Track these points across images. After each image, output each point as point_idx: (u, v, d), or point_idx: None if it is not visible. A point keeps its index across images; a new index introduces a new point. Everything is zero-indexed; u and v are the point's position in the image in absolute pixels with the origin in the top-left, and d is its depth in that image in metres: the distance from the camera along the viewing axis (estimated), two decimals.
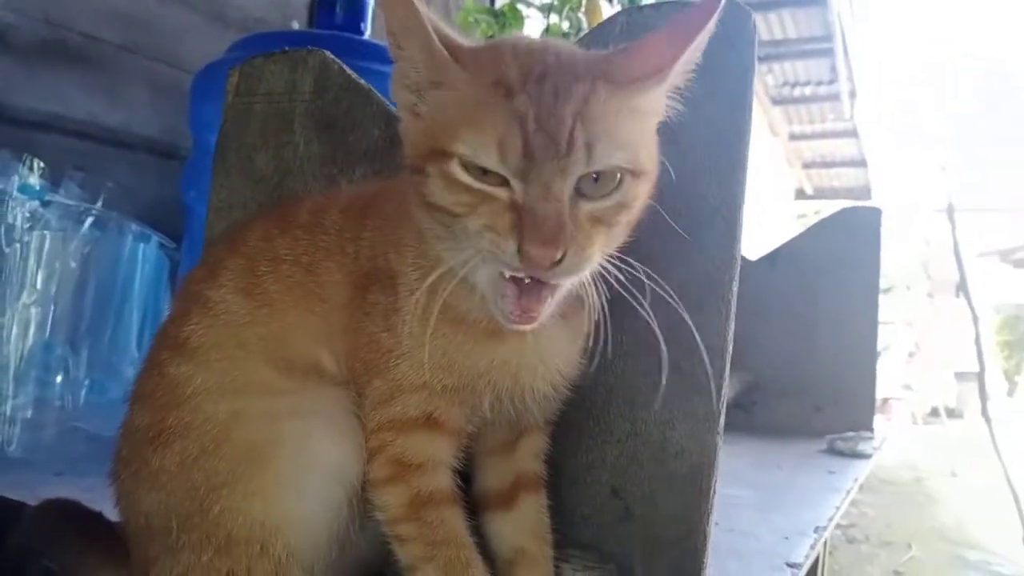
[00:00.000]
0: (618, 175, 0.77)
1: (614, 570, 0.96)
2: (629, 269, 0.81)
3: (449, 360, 0.88)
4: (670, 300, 0.84)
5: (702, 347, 0.95)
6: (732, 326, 0.94)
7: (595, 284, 0.82)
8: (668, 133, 0.95)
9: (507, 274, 0.77)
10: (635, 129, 0.79)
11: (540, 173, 0.73)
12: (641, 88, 0.79)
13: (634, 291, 0.83)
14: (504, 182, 0.75)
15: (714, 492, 0.94)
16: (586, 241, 0.75)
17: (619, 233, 0.81)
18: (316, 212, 1.00)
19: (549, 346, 0.90)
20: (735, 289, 0.94)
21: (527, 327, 0.80)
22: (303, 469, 0.89)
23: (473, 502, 0.97)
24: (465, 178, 0.76)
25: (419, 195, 0.80)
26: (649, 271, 0.83)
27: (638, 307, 0.84)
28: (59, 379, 1.80)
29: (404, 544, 0.89)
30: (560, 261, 0.73)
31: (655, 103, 0.83)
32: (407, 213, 0.87)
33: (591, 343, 0.93)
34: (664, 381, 0.96)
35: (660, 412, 0.97)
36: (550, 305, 0.80)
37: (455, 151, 0.75)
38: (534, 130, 0.73)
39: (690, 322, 0.91)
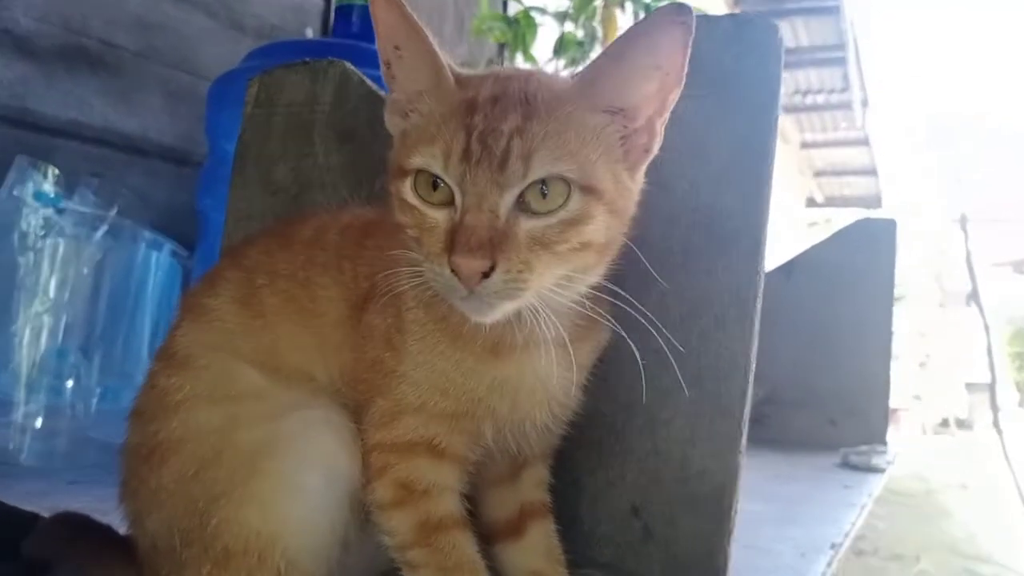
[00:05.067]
0: (566, 191, 0.76)
1: None
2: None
3: (447, 382, 0.87)
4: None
5: (724, 364, 0.94)
6: (756, 344, 0.93)
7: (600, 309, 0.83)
8: (691, 146, 0.95)
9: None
10: (589, 146, 0.78)
11: (475, 183, 0.75)
12: (591, 108, 0.79)
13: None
14: (449, 202, 0.77)
15: (736, 512, 0.92)
16: (523, 264, 0.75)
17: (572, 257, 0.78)
18: (318, 230, 1.01)
19: (548, 373, 0.88)
20: (759, 307, 0.93)
21: (485, 319, 0.79)
22: (303, 465, 0.87)
23: (483, 533, 0.95)
24: (412, 198, 0.79)
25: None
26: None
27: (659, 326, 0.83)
28: (71, 387, 1.80)
29: (415, 571, 0.88)
30: (489, 275, 0.73)
31: (612, 119, 0.81)
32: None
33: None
34: (686, 399, 0.95)
35: (682, 431, 0.96)
36: (503, 309, 0.78)
37: (411, 166, 0.79)
38: (476, 140, 0.75)
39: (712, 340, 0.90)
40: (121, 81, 2.47)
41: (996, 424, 8.85)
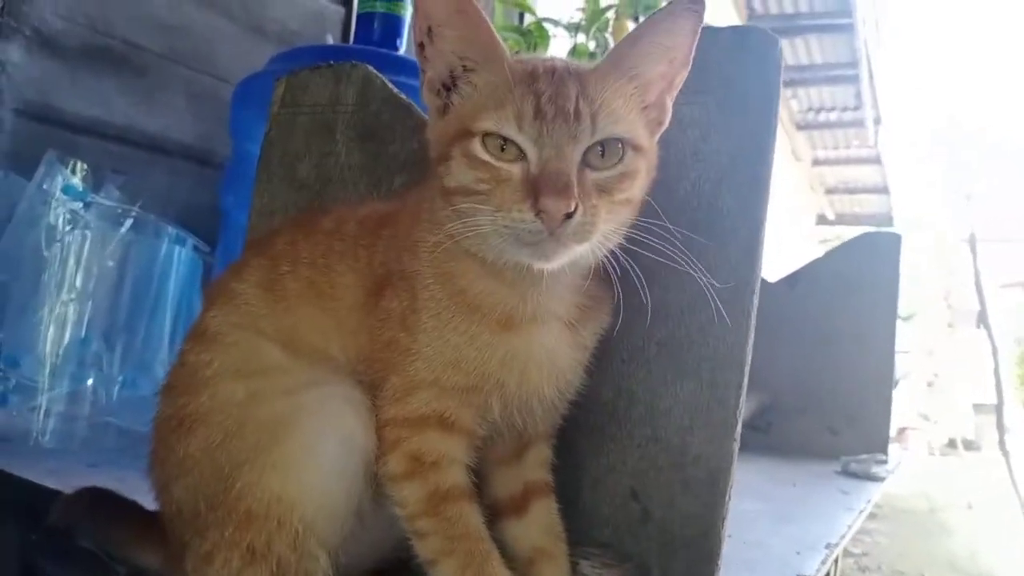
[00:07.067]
0: (620, 148, 0.88)
1: (633, 568, 0.99)
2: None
3: (459, 356, 0.93)
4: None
5: (722, 356, 0.99)
6: (752, 336, 0.98)
7: (612, 274, 0.91)
8: (694, 148, 1.00)
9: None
10: (630, 112, 0.90)
11: (552, 136, 0.85)
12: (624, 82, 0.90)
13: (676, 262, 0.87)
14: (519, 158, 0.86)
15: (729, 497, 0.97)
16: (594, 206, 0.85)
17: (621, 208, 0.89)
18: (337, 221, 1.08)
19: (556, 348, 0.95)
20: (755, 301, 0.98)
21: (548, 264, 0.87)
22: (321, 436, 0.93)
23: (488, 511, 0.99)
24: (484, 155, 0.87)
25: (440, 184, 0.91)
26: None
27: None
28: (93, 374, 1.86)
29: (424, 539, 0.93)
30: (572, 215, 0.82)
31: (636, 91, 0.92)
32: (424, 212, 0.96)
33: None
34: (685, 389, 1.00)
35: (680, 418, 1.01)
36: (571, 252, 0.86)
37: (479, 128, 0.87)
38: (546, 101, 0.85)
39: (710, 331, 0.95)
40: (144, 81, 2.54)
41: (1002, 445, 8.81)
